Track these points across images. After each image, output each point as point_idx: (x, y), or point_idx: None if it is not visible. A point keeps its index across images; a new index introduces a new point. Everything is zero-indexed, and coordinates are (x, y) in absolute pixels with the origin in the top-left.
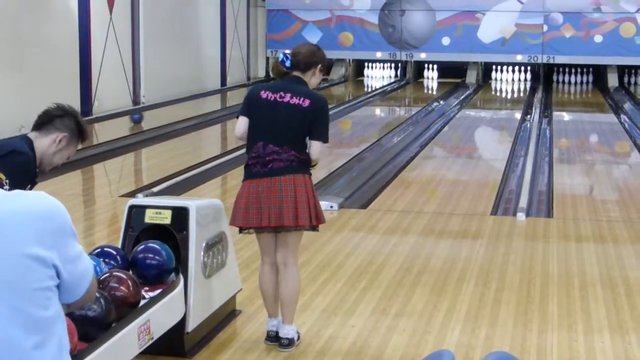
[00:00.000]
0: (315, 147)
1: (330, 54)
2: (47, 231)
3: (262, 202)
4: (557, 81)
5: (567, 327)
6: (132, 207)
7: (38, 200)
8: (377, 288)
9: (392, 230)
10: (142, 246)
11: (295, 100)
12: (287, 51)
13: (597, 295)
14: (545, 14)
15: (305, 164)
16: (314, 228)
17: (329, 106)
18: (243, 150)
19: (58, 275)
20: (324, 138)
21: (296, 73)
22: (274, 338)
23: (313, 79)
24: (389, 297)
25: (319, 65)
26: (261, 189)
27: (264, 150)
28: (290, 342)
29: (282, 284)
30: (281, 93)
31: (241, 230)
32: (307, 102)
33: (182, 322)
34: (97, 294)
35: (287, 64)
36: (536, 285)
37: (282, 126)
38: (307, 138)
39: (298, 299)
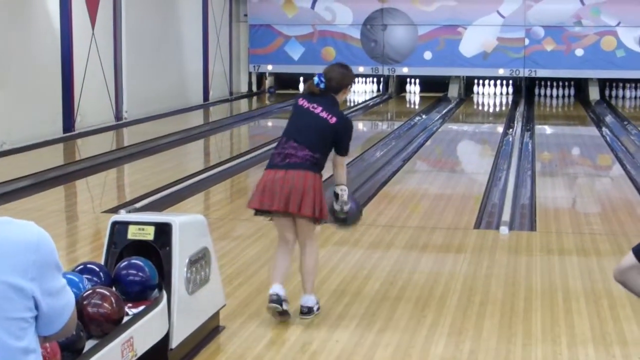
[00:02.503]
0: (338, 160)
1: (313, 69)
2: (31, 262)
3: (275, 189)
4: (539, 95)
5: (551, 341)
6: (114, 223)
7: (26, 229)
8: (360, 303)
9: (376, 244)
10: (125, 262)
11: (324, 115)
12: (320, 73)
13: (580, 308)
14: (527, 28)
15: (318, 165)
16: (317, 221)
17: None
18: (226, 166)
19: (37, 307)
20: (344, 152)
21: (329, 92)
22: (275, 301)
23: (343, 96)
24: (373, 311)
25: (348, 86)
26: (277, 177)
27: (285, 144)
28: (309, 310)
29: (302, 259)
30: (315, 105)
31: (256, 212)
32: (334, 120)
33: (166, 339)
34: None
35: (322, 86)
36: (520, 299)
37: (307, 129)
38: (333, 150)
39: (316, 272)
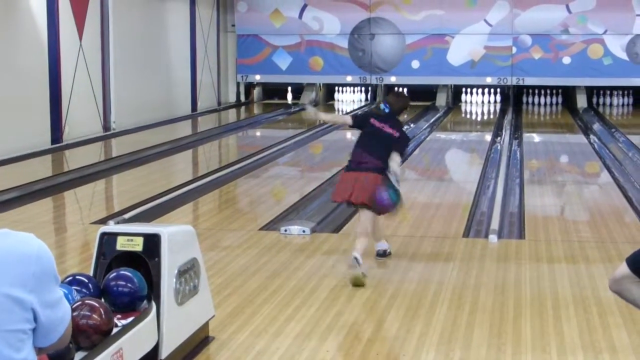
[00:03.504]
0: (395, 156)
1: (301, 79)
2: (31, 274)
3: (351, 185)
4: (527, 103)
5: (541, 349)
6: (103, 235)
7: (25, 242)
8: (350, 312)
9: (365, 253)
10: (114, 274)
11: (390, 131)
12: (385, 101)
13: (570, 316)
14: (514, 36)
15: (383, 169)
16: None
17: (303, 130)
18: (215, 176)
19: (35, 319)
20: (403, 151)
21: (393, 114)
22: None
23: (402, 115)
24: (363, 321)
25: (406, 108)
26: (353, 177)
27: (360, 155)
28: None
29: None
30: (383, 124)
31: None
32: (397, 134)
33: (155, 350)
34: None
35: (386, 110)
36: (509, 307)
37: (377, 145)
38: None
39: (369, 233)
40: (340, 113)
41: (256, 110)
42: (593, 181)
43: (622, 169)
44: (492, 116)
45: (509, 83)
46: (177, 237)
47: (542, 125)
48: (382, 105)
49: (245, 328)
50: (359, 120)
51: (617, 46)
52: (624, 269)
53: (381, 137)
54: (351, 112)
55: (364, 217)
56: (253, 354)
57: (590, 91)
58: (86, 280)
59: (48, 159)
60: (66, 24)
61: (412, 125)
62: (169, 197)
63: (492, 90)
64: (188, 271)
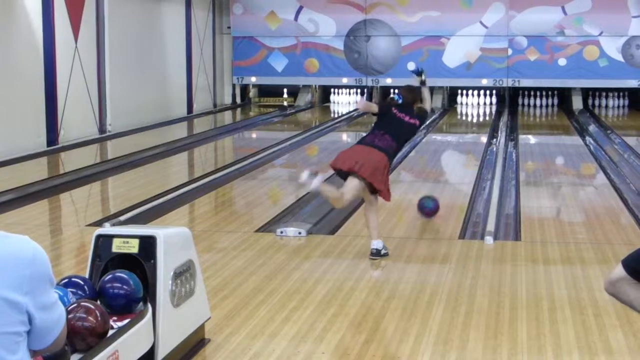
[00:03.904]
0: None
1: (296, 81)
2: (26, 277)
3: (357, 156)
4: (523, 104)
5: (537, 351)
6: (99, 237)
7: (21, 244)
8: (346, 314)
9: (361, 255)
10: (110, 276)
11: (410, 120)
12: (397, 91)
13: (566, 318)
14: (510, 38)
15: (394, 155)
16: (375, 191)
17: (298, 132)
18: (210, 178)
19: (30, 321)
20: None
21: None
22: (375, 254)
23: (417, 104)
24: (358, 322)
25: (418, 99)
26: (366, 150)
27: (382, 136)
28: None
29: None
30: (403, 114)
31: (336, 173)
32: (417, 122)
33: (151, 352)
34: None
35: (400, 101)
36: (505, 309)
37: (396, 132)
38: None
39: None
40: (337, 115)
41: (252, 112)
42: (589, 183)
43: (617, 170)
44: (487, 118)
45: (504, 85)
46: (173, 239)
47: (537, 127)
48: (395, 97)
49: (241, 330)
50: (383, 108)
51: (612, 48)
52: (619, 270)
53: (402, 125)
54: (346, 114)
55: (351, 184)
56: (249, 356)
57: (586, 93)
58: (82, 283)
59: (44, 162)
60: (62, 26)
61: None
62: (165, 199)
63: (487, 92)
64: (184, 273)
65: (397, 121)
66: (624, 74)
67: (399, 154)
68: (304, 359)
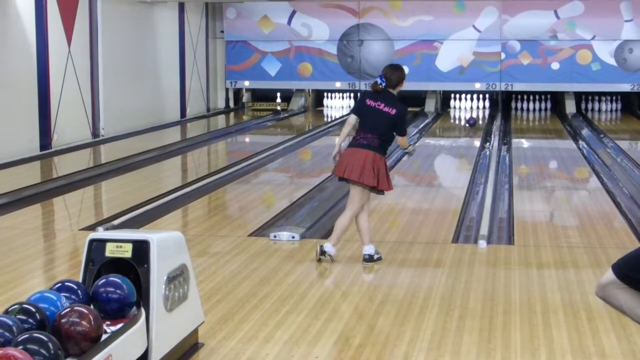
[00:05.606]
0: (400, 139)
1: (290, 85)
2: None
3: (346, 162)
4: (516, 108)
5: (530, 354)
6: (92, 241)
7: None
8: (339, 318)
9: (354, 259)
10: (103, 280)
11: (386, 109)
12: (381, 75)
13: (559, 321)
14: (503, 42)
15: (383, 148)
16: (377, 191)
17: (291, 136)
18: (204, 182)
19: None
20: (404, 133)
21: (388, 89)
22: (368, 260)
23: (398, 89)
24: (352, 327)
25: (402, 82)
26: (350, 152)
27: (358, 134)
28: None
29: (342, 217)
30: (379, 102)
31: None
32: (394, 111)
33: (145, 356)
34: (45, 338)
35: (383, 84)
36: (498, 313)
37: (376, 123)
38: (395, 133)
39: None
40: (330, 119)
41: (245, 116)
42: (582, 186)
43: (610, 174)
44: (481, 122)
45: (497, 89)
46: (166, 244)
47: (531, 131)
48: (378, 80)
49: (235, 334)
50: (356, 107)
51: (605, 52)
52: (609, 275)
53: (377, 115)
54: (340, 118)
55: (352, 193)
56: None
57: (579, 97)
58: (75, 287)
59: (37, 166)
60: (55, 30)
61: None
62: (158, 203)
63: (480, 96)
64: (177, 277)
65: (373, 111)
66: (616, 78)
67: (397, 156)
68: None
